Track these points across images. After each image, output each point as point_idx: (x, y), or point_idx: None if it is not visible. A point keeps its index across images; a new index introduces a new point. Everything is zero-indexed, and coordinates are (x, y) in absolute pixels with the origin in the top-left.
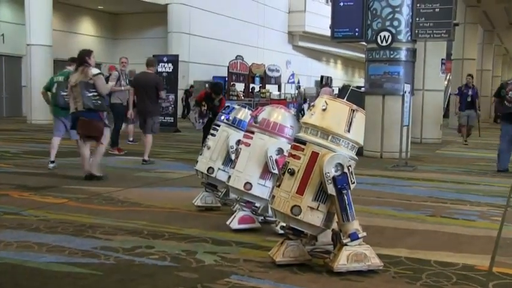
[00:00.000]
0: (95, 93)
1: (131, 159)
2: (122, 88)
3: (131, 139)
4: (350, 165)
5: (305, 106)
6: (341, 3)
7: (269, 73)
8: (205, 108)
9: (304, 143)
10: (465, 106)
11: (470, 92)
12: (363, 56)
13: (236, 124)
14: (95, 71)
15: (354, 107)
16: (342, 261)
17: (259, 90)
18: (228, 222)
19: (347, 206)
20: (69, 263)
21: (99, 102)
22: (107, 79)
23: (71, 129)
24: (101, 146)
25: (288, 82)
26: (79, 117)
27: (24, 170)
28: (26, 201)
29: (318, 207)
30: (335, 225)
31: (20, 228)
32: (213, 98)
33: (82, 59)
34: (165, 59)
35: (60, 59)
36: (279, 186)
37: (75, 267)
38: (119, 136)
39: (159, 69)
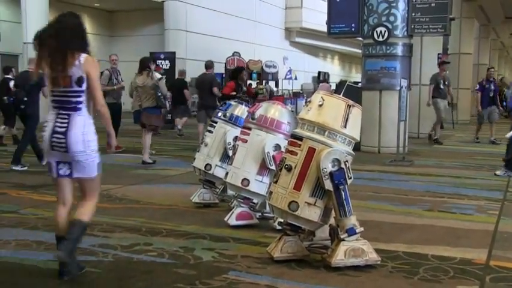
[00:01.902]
0: (160, 93)
1: (130, 157)
2: (115, 87)
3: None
4: (346, 161)
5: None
6: None
7: (266, 69)
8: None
9: (301, 138)
10: (487, 103)
11: (492, 87)
12: (360, 51)
13: (233, 120)
14: (158, 75)
15: (351, 102)
16: (340, 256)
17: (257, 86)
18: (225, 219)
19: (344, 201)
20: None
21: (162, 100)
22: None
23: (135, 123)
24: (149, 134)
25: (285, 78)
26: (143, 112)
27: (22, 169)
28: (24, 200)
29: (315, 202)
30: (332, 221)
31: (18, 227)
32: (240, 84)
33: (145, 64)
34: (162, 56)
35: None
36: (276, 182)
37: None
38: (117, 134)
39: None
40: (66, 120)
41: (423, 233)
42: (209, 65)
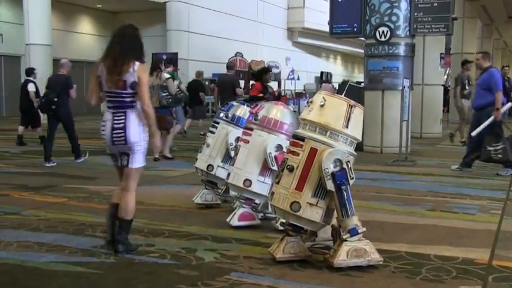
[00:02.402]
0: (167, 93)
1: None
2: None
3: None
4: (348, 161)
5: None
6: None
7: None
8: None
9: (302, 139)
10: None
11: (507, 85)
12: (362, 51)
13: (235, 121)
14: (166, 75)
15: (352, 102)
16: (342, 256)
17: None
18: (228, 220)
19: (346, 202)
20: (69, 262)
21: (170, 100)
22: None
23: None
24: (170, 135)
25: (287, 78)
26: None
27: (24, 170)
28: (26, 201)
29: (317, 203)
30: (334, 221)
31: (20, 228)
32: (266, 86)
33: (156, 65)
34: (164, 57)
35: (60, 58)
36: (278, 182)
37: (75, 266)
38: None
39: None
40: (123, 117)
41: (425, 233)
42: (230, 66)
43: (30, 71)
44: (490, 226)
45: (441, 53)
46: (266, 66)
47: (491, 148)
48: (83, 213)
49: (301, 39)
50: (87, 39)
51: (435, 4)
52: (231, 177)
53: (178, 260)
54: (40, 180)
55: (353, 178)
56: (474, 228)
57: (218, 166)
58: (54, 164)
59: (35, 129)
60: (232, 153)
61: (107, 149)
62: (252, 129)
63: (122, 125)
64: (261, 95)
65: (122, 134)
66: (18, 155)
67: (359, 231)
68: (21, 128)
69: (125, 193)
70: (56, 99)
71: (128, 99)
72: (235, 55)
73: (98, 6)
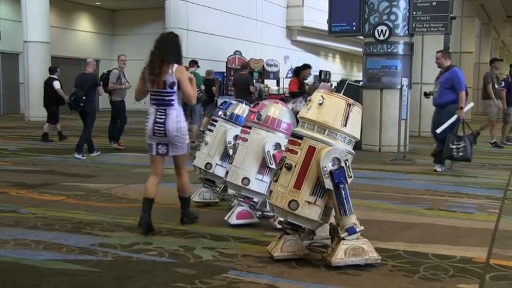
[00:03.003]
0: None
1: (130, 156)
2: (123, 86)
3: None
4: (347, 160)
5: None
6: None
7: (267, 68)
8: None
9: (301, 137)
10: None
11: None
12: (361, 50)
13: (234, 119)
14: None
15: (351, 101)
16: (340, 255)
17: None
18: (226, 218)
19: (344, 200)
20: (66, 260)
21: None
22: (106, 79)
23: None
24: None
25: (286, 77)
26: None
27: (22, 168)
28: (23, 199)
29: (315, 201)
30: (332, 220)
31: (18, 226)
32: (302, 82)
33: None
34: None
35: (58, 55)
36: (276, 181)
37: (73, 264)
38: (122, 132)
39: None
40: (163, 113)
41: (423, 231)
42: (244, 66)
43: (54, 69)
44: (487, 225)
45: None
46: (307, 63)
47: (454, 146)
48: (81, 211)
49: (300, 38)
50: (85, 36)
51: (434, 3)
52: (229, 176)
53: (176, 258)
54: (38, 178)
55: (351, 177)
56: (472, 227)
57: (216, 164)
58: (84, 157)
59: (55, 125)
60: (231, 152)
61: (147, 139)
62: (250, 128)
63: (162, 120)
64: (299, 90)
65: (163, 128)
66: (17, 153)
67: (357, 229)
68: (46, 126)
69: (179, 177)
70: (84, 97)
71: (167, 98)
72: (234, 53)
73: (97, 3)
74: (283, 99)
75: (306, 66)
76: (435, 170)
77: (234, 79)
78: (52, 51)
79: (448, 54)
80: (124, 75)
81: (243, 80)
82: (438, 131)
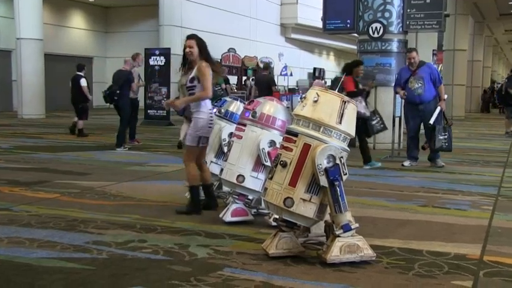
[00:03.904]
0: None
1: (126, 153)
2: (142, 84)
3: None
4: (342, 157)
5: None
6: None
7: (262, 65)
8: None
9: (296, 134)
10: None
11: None
12: (356, 47)
13: (228, 117)
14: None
15: (346, 98)
16: (335, 252)
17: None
18: (221, 215)
19: (339, 198)
20: (61, 258)
21: None
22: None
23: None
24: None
25: (280, 74)
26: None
27: (15, 165)
28: (17, 197)
29: (310, 199)
30: (327, 217)
31: (11, 224)
32: (356, 80)
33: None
34: (157, 52)
35: (51, 53)
36: (271, 178)
37: (67, 262)
38: (135, 126)
39: (151, 63)
40: (188, 105)
41: (418, 228)
42: (265, 66)
43: (81, 67)
44: (481, 222)
45: (433, 50)
46: (358, 59)
47: (442, 137)
48: (75, 209)
49: (294, 35)
50: (79, 34)
51: (427, 1)
52: (224, 173)
53: (171, 255)
54: (31, 176)
55: (346, 174)
56: (466, 224)
57: (211, 162)
58: (126, 148)
59: (78, 121)
60: (225, 149)
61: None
62: (245, 125)
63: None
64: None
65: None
66: (10, 150)
67: (352, 227)
68: (80, 121)
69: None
70: (118, 92)
71: (189, 92)
72: (228, 51)
73: (90, 0)
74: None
75: (359, 63)
76: (402, 165)
77: (256, 78)
78: (45, 48)
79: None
80: (139, 74)
81: (265, 80)
82: (432, 122)
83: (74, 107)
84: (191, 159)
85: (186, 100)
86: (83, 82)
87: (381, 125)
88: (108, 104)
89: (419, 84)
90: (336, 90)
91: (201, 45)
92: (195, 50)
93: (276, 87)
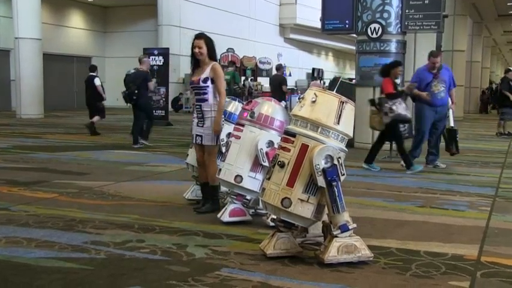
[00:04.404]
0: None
1: (123, 153)
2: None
3: None
4: (339, 157)
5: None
6: None
7: (260, 66)
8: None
9: (294, 135)
10: None
11: None
12: (354, 48)
13: (226, 117)
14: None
15: (344, 98)
16: (333, 252)
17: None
18: (219, 215)
19: (337, 198)
20: (59, 258)
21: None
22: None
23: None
24: None
25: None
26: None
27: (14, 165)
28: (15, 197)
29: (308, 199)
30: (325, 217)
31: (9, 224)
32: (395, 82)
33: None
34: (156, 52)
35: (50, 52)
36: (269, 178)
37: (65, 262)
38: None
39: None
40: (199, 105)
41: (416, 229)
42: (278, 67)
43: (94, 68)
44: (479, 222)
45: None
46: (397, 60)
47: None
48: (73, 208)
49: (293, 36)
50: (78, 33)
51: (426, 1)
52: (222, 173)
53: (169, 255)
54: (30, 176)
55: (344, 174)
56: (463, 224)
57: None
58: (142, 146)
59: (92, 118)
60: (224, 149)
61: None
62: (243, 125)
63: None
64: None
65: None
66: (8, 150)
67: (350, 227)
68: (96, 118)
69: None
70: (136, 91)
71: (200, 91)
72: (227, 51)
73: (89, 0)
74: (380, 101)
75: (397, 64)
76: (435, 166)
77: (270, 79)
78: (44, 48)
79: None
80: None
81: (278, 80)
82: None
83: (88, 108)
84: (213, 158)
85: (218, 119)
86: (97, 81)
87: (406, 134)
88: (127, 104)
89: (442, 88)
90: (334, 91)
91: (210, 44)
92: (204, 50)
93: (285, 86)
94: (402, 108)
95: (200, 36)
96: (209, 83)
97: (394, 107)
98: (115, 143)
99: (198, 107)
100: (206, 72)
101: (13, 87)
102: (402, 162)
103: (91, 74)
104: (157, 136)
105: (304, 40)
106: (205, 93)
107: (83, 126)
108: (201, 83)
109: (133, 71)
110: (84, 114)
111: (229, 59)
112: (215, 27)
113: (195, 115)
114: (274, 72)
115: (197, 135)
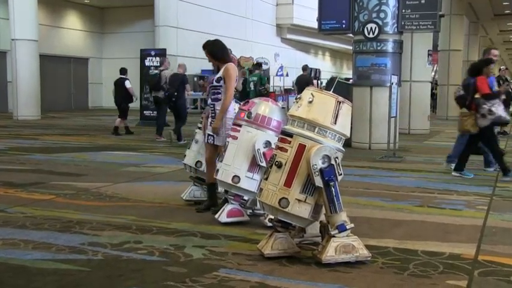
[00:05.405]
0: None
1: (121, 155)
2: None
3: None
4: (337, 157)
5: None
6: None
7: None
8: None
9: (291, 135)
10: None
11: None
12: (351, 47)
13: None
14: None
15: (341, 98)
16: (330, 252)
17: None
18: (216, 216)
19: (335, 198)
20: (56, 259)
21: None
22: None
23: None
24: None
25: (276, 75)
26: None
27: (10, 167)
28: (12, 198)
29: (305, 199)
30: (322, 217)
31: (6, 226)
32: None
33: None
34: (153, 53)
35: (47, 54)
36: (266, 179)
37: (62, 263)
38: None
39: (146, 63)
40: (213, 104)
41: (413, 228)
42: (304, 68)
43: (124, 71)
44: (476, 221)
45: (429, 50)
46: (488, 57)
47: None
48: (70, 210)
49: (290, 36)
50: (75, 34)
51: (422, 1)
52: (220, 174)
53: (166, 256)
54: (26, 177)
55: (341, 174)
56: (461, 223)
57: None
58: (185, 141)
59: (117, 120)
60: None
61: None
62: (240, 126)
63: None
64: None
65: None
66: (5, 152)
67: (347, 227)
68: (118, 121)
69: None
70: (175, 94)
71: (214, 91)
72: None
73: (86, 1)
74: (477, 102)
75: (489, 61)
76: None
77: (296, 79)
78: (40, 49)
79: None
80: (166, 77)
81: (304, 80)
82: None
83: (118, 109)
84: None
85: (220, 118)
86: (128, 84)
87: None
88: (166, 105)
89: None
90: (331, 91)
91: (212, 51)
92: (211, 57)
93: (312, 85)
94: (501, 109)
95: (203, 46)
96: (222, 82)
97: (493, 109)
98: (112, 144)
99: (211, 106)
100: (220, 73)
101: (10, 88)
102: (490, 169)
103: (122, 76)
104: (155, 136)
105: (301, 40)
106: (219, 93)
107: (122, 131)
108: (214, 82)
109: (156, 71)
110: (81, 115)
111: (254, 62)
112: (212, 28)
113: (208, 114)
114: (300, 72)
115: (209, 134)
